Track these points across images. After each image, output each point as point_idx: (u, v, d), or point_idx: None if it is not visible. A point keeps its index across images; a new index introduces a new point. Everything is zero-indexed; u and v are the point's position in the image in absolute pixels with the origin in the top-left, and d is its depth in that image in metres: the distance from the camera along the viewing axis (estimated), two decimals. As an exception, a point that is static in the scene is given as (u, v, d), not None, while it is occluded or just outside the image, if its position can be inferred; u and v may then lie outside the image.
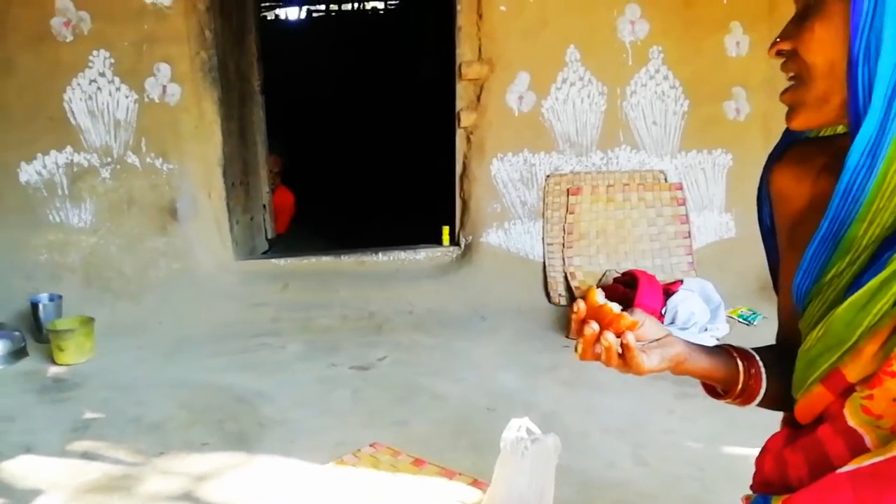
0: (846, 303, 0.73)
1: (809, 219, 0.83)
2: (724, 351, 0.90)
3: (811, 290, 0.78)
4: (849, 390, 0.74)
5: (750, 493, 0.91)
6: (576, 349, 0.81)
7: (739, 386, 0.88)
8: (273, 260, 3.93)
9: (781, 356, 0.89)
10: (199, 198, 3.75)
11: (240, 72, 4.25)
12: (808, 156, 0.87)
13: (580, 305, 0.80)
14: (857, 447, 0.74)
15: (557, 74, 3.81)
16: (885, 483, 0.69)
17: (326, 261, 3.91)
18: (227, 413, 2.62)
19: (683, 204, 3.92)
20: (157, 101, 3.66)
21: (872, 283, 0.71)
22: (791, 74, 0.80)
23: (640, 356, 0.78)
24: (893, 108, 0.70)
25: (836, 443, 0.76)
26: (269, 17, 9.33)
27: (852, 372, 0.73)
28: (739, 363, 0.88)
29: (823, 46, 0.75)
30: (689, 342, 0.86)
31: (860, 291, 0.72)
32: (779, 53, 0.81)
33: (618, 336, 0.79)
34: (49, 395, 2.83)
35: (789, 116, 0.81)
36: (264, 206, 4.60)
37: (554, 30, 3.77)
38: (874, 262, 0.72)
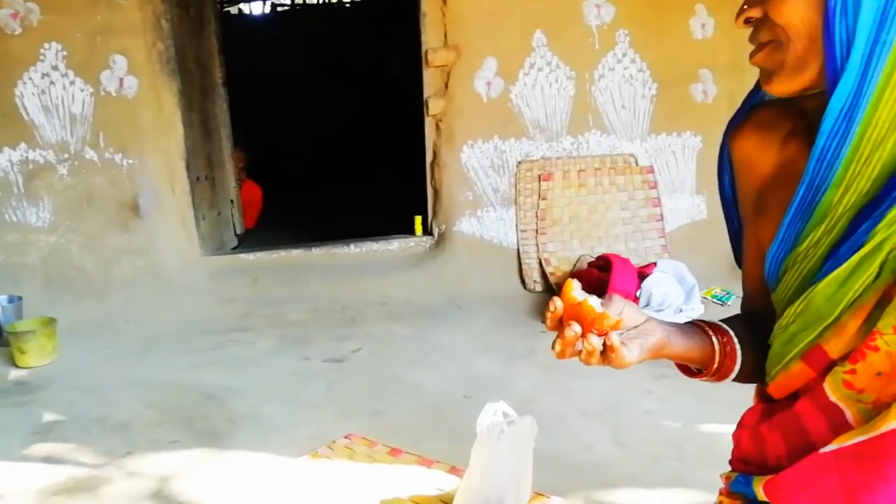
0: (827, 279, 0.70)
1: (778, 186, 0.80)
2: (698, 328, 0.86)
3: (786, 259, 0.76)
4: (830, 365, 0.72)
5: (729, 470, 0.89)
6: (553, 347, 0.74)
7: (716, 364, 0.84)
8: (241, 255, 3.85)
9: (752, 327, 0.86)
10: (163, 193, 3.65)
11: (200, 63, 4.13)
12: (772, 120, 0.84)
13: (557, 304, 0.74)
14: (838, 422, 0.72)
15: (525, 60, 3.78)
16: (870, 462, 0.67)
17: (297, 254, 3.83)
18: (196, 411, 2.55)
19: (655, 187, 3.92)
20: (113, 94, 3.55)
21: (854, 258, 0.69)
22: (765, 41, 0.76)
23: (622, 353, 0.73)
24: (871, 67, 0.67)
25: (816, 418, 0.74)
26: (232, 12, 9.17)
27: (835, 348, 0.71)
28: (714, 340, 0.84)
29: (796, 5, 0.71)
30: (666, 325, 0.81)
31: (841, 267, 0.69)
32: (747, 22, 0.76)
33: (600, 336, 0.73)
34: (9, 399, 2.71)
35: (767, 80, 0.77)
36: (232, 200, 4.50)
37: (520, 15, 3.73)
38: (851, 232, 0.70)
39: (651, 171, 3.93)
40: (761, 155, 0.83)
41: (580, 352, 0.73)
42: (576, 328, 0.72)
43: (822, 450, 0.71)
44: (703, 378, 0.87)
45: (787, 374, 0.76)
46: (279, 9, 9.34)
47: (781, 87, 0.76)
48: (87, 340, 3.22)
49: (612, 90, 3.88)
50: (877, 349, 0.68)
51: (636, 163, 3.94)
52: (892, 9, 0.66)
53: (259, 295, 3.62)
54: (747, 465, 0.84)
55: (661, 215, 3.90)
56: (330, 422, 2.42)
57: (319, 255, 3.85)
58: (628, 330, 0.77)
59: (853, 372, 0.70)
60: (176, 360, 3.02)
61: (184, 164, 3.71)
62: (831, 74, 0.69)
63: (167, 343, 3.22)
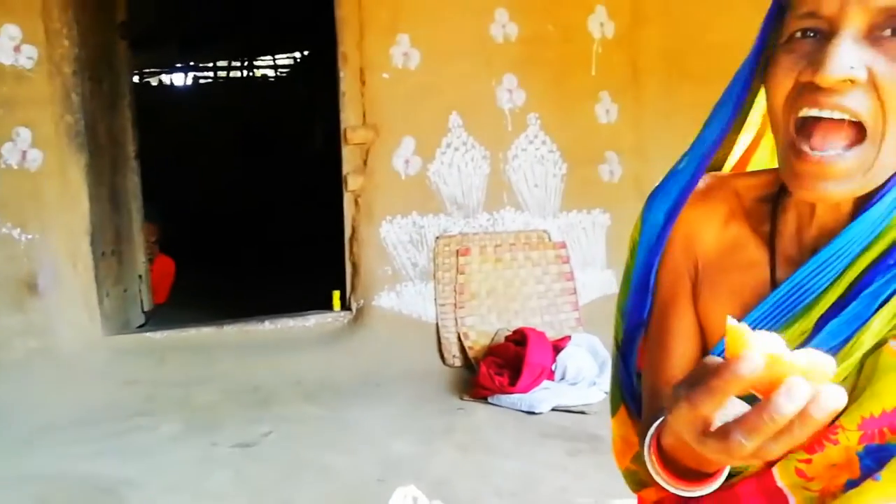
0: None
1: (725, 269, 0.77)
2: None
3: None
4: (785, 454, 0.68)
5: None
6: (734, 437, 0.49)
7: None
8: (147, 334, 3.67)
9: None
10: (64, 269, 3.47)
11: (112, 137, 4.04)
12: (714, 196, 0.79)
13: (754, 362, 0.48)
14: None
15: (442, 139, 3.90)
16: None
17: (207, 332, 3.69)
18: (87, 507, 2.35)
19: (567, 262, 4.06)
20: (15, 167, 3.40)
21: None
22: (843, 116, 0.63)
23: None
24: None
25: (757, 501, 0.71)
26: (152, 83, 9.09)
27: None
28: None
29: None
30: None
31: None
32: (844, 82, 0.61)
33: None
34: None
35: (822, 188, 0.65)
36: (140, 276, 4.32)
37: (436, 97, 3.87)
38: (817, 332, 0.68)
39: (563, 246, 4.07)
40: (705, 229, 0.79)
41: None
42: (787, 407, 0.47)
43: None
44: (708, 484, 0.65)
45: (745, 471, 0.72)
46: (201, 80, 9.35)
47: (839, 194, 0.66)
48: (-32, 431, 2.95)
49: (524, 169, 4.04)
50: (836, 442, 0.67)
51: (549, 238, 4.07)
52: None
53: (165, 376, 3.44)
54: None
55: (575, 289, 4.02)
56: (235, 514, 2.28)
57: (232, 332, 3.72)
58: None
59: (808, 461, 0.68)
60: (70, 450, 2.80)
61: (88, 240, 3.55)
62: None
63: (61, 431, 2.99)
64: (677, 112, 3.93)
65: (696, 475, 0.64)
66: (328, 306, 3.93)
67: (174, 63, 8.74)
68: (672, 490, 0.65)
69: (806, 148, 0.65)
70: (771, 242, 0.75)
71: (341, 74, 3.80)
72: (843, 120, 0.63)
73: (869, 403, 0.66)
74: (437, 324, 3.85)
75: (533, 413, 3.12)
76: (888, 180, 0.67)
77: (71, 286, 3.50)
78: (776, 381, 0.48)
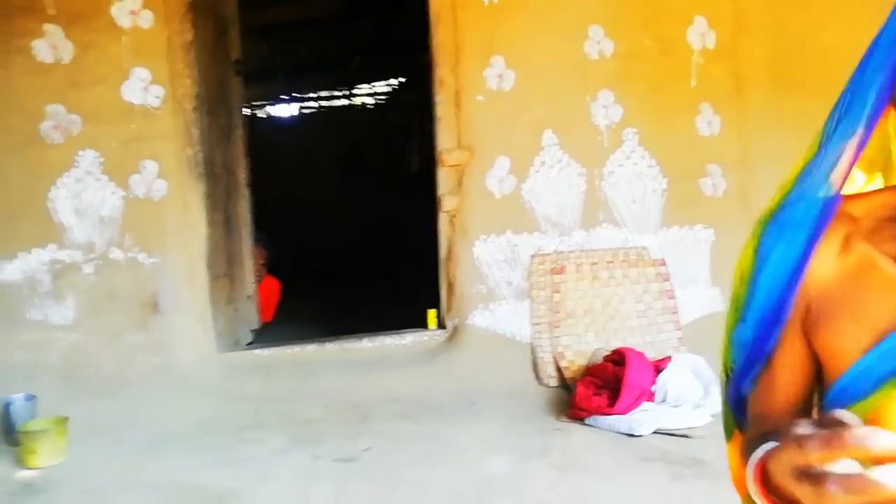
0: None
1: (844, 293, 0.73)
2: None
3: (886, 380, 0.66)
4: None
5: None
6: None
7: None
8: (256, 351, 3.87)
9: None
10: (182, 290, 3.73)
11: (226, 166, 4.33)
12: (831, 223, 0.75)
13: (887, 444, 0.49)
14: None
15: (535, 158, 3.90)
16: None
17: (310, 349, 3.84)
18: (201, 514, 2.50)
19: (668, 279, 3.91)
20: (141, 196, 3.71)
21: None
22: None
23: None
24: None
25: None
26: (260, 115, 9.67)
27: None
28: None
29: None
30: None
31: None
32: None
33: None
34: (16, 501, 2.69)
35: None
36: (249, 296, 4.57)
37: (530, 116, 3.88)
38: None
39: (664, 263, 3.93)
40: (816, 260, 0.74)
41: None
42: None
43: None
44: None
45: None
46: (305, 111, 9.85)
47: None
48: (98, 440, 3.21)
49: (622, 185, 3.96)
50: None
51: (648, 255, 3.95)
52: None
53: (272, 391, 3.61)
54: None
55: (676, 308, 3.87)
56: (335, 526, 2.35)
57: (333, 350, 3.85)
58: None
59: None
60: (183, 459, 2.99)
61: (205, 263, 3.81)
62: None
63: (177, 442, 3.19)
64: (784, 123, 3.73)
65: None
66: (425, 325, 3.99)
67: (280, 95, 9.26)
68: None
69: None
70: None
71: (437, 98, 3.90)
72: None
73: None
74: (532, 343, 3.82)
75: (632, 435, 3.01)
76: None
77: (188, 306, 3.75)
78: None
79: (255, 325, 4.65)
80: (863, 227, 0.72)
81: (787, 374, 0.78)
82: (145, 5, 3.60)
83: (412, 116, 7.49)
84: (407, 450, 3.00)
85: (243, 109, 4.98)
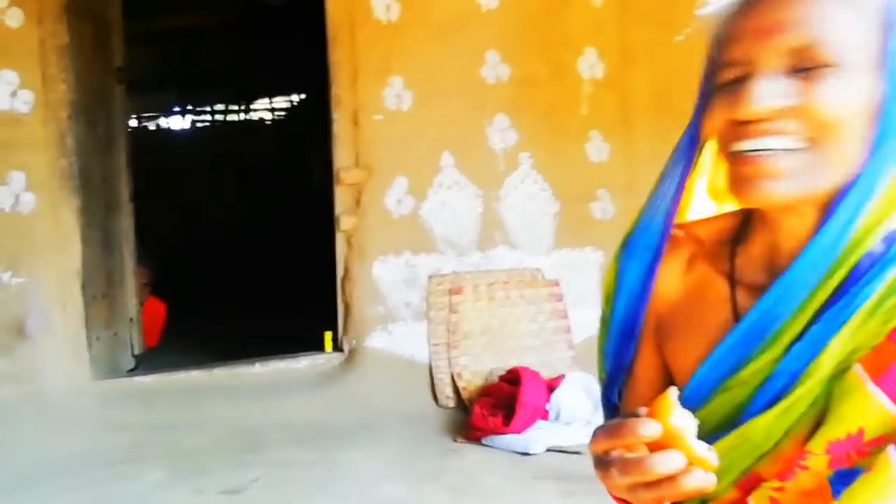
0: (769, 413, 0.67)
1: (687, 309, 0.79)
2: None
3: (719, 384, 0.71)
4: (759, 484, 0.70)
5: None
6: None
7: None
8: (136, 378, 3.63)
9: None
10: (53, 313, 3.44)
11: (106, 179, 4.06)
12: (676, 243, 0.82)
13: (651, 428, 0.59)
14: None
15: (434, 179, 3.92)
16: None
17: (197, 376, 3.64)
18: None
19: (561, 300, 4.03)
20: (8, 210, 3.40)
21: (799, 391, 0.66)
22: (783, 142, 0.66)
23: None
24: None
25: None
26: (150, 127, 9.20)
27: (769, 471, 0.69)
28: None
29: (848, 97, 0.64)
30: None
31: (785, 402, 0.66)
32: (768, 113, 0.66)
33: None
34: None
35: (764, 187, 0.67)
36: (131, 319, 4.29)
37: (428, 137, 3.90)
38: (790, 360, 0.67)
39: (557, 284, 4.05)
40: (664, 278, 0.81)
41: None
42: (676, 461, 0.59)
43: None
44: None
45: (719, 500, 0.72)
46: (201, 125, 9.47)
47: (784, 195, 0.67)
48: (-51, 480, 2.88)
49: (517, 208, 4.05)
50: (806, 468, 0.67)
51: (543, 276, 4.06)
52: None
53: (153, 421, 3.39)
54: None
55: (569, 327, 3.99)
56: (220, 564, 2.21)
57: (222, 375, 3.67)
58: None
59: (781, 489, 0.68)
60: (52, 499, 2.74)
61: (79, 283, 3.54)
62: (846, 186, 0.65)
63: (45, 479, 2.92)
64: (666, 151, 3.79)
65: None
66: (321, 347, 3.89)
67: (172, 107, 8.85)
68: None
69: (740, 146, 0.68)
70: (731, 278, 0.77)
71: (335, 116, 3.85)
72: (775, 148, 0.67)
73: (834, 427, 0.66)
74: (430, 364, 3.81)
75: (527, 454, 3.06)
76: (838, 195, 0.67)
77: (60, 330, 3.47)
78: (665, 448, 0.59)
79: (139, 351, 4.35)
80: (705, 249, 0.80)
81: (644, 384, 0.85)
82: (13, 3, 3.34)
83: (312, 134, 7.37)
84: (299, 478, 2.89)
85: (129, 120, 4.71)
